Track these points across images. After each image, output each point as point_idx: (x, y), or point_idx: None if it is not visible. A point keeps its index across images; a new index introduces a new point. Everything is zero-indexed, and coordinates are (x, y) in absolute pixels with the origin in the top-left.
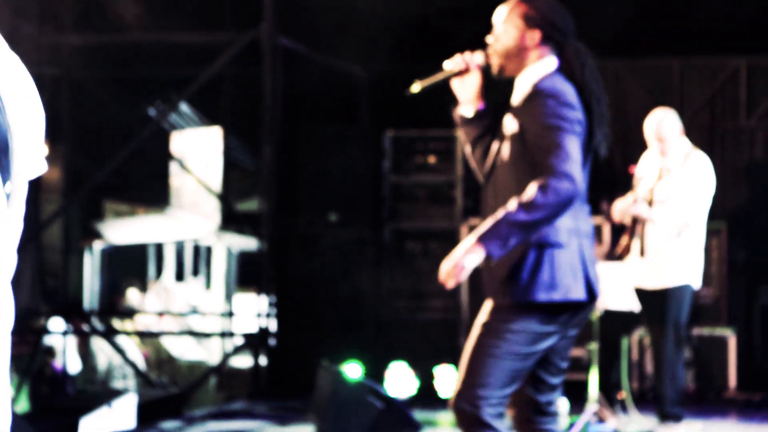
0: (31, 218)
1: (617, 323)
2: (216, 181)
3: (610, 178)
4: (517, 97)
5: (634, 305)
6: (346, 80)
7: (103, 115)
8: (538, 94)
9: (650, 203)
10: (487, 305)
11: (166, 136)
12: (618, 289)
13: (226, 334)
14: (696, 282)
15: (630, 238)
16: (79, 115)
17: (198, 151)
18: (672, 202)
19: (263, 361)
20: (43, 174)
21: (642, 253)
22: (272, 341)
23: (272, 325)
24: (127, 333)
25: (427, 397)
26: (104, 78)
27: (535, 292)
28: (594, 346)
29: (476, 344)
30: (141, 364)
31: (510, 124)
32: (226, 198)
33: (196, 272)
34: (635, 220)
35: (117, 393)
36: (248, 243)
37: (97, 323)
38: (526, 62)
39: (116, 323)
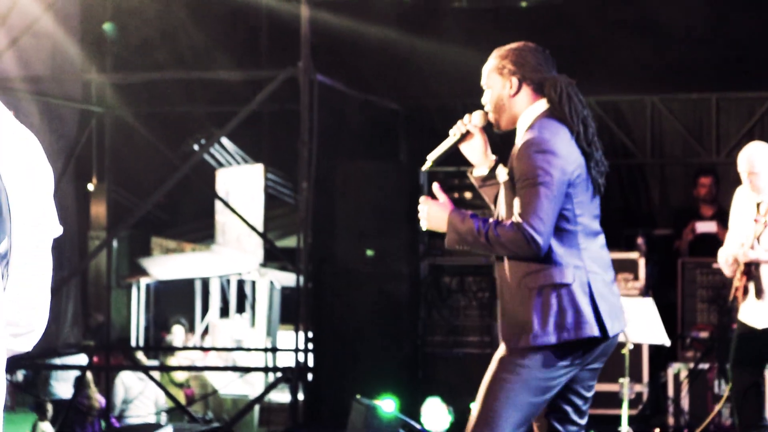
0: (77, 254)
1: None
2: (258, 218)
3: (649, 213)
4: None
5: (664, 340)
6: (382, 116)
7: (147, 152)
8: (523, 144)
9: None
10: (502, 346)
11: (212, 174)
12: (646, 323)
13: (267, 369)
14: None
15: (747, 281)
16: (123, 153)
17: (241, 188)
18: None
19: (301, 395)
20: (92, 211)
21: (758, 295)
22: (310, 376)
23: (310, 360)
24: (171, 369)
25: None
26: (147, 115)
27: (544, 336)
28: (625, 380)
29: (490, 381)
30: (182, 400)
31: (502, 173)
32: (267, 234)
33: (240, 308)
34: (748, 265)
35: (155, 427)
36: (291, 279)
37: (143, 358)
38: (515, 111)
39: (155, 359)
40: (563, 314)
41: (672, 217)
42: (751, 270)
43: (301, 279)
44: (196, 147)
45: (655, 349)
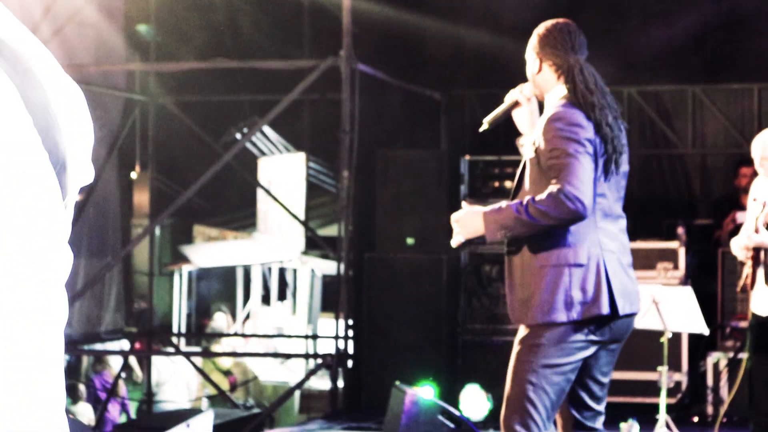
0: (121, 242)
1: None
2: (300, 206)
3: (690, 203)
4: (537, 126)
5: (703, 329)
6: (423, 105)
7: (190, 141)
8: (547, 120)
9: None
10: (521, 329)
11: (254, 162)
12: (685, 312)
13: (307, 356)
14: None
15: (755, 267)
16: (166, 141)
17: (283, 177)
18: None
19: (340, 382)
20: (135, 199)
21: (767, 280)
22: (350, 363)
23: (350, 347)
24: (212, 355)
25: (499, 420)
26: (190, 103)
27: (552, 312)
28: (664, 368)
29: (515, 364)
30: (225, 386)
31: (528, 150)
32: (308, 222)
33: (282, 296)
34: (757, 249)
35: (195, 412)
36: (332, 267)
37: (184, 346)
38: (542, 88)
39: (200, 346)
40: (575, 293)
41: (713, 207)
42: (759, 256)
43: (342, 267)
44: (238, 136)
45: (694, 339)
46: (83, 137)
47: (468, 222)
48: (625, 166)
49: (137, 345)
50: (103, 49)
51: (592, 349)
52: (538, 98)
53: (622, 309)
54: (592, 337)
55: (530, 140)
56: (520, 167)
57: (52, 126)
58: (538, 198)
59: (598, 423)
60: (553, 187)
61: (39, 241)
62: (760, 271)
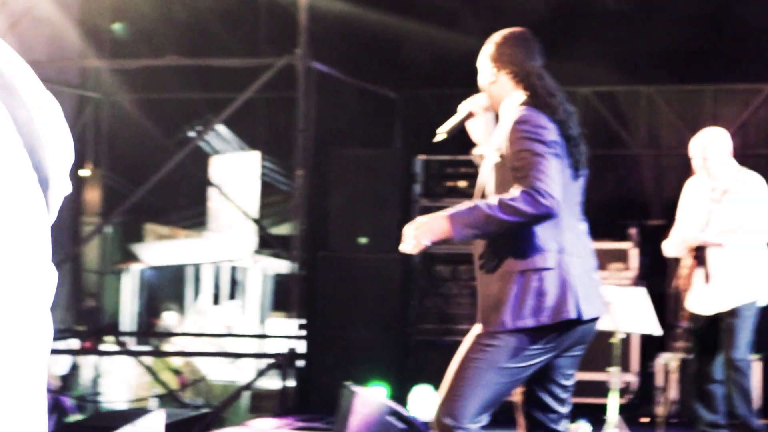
0: (70, 239)
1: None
2: (253, 205)
3: (643, 204)
4: (499, 132)
5: (656, 329)
6: (378, 104)
7: (144, 139)
8: (512, 123)
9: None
10: (477, 327)
11: (206, 161)
12: (638, 313)
13: (257, 355)
14: (763, 299)
15: (698, 266)
16: (119, 138)
17: (236, 175)
18: (743, 226)
19: (291, 382)
20: (85, 196)
21: (707, 279)
22: (301, 363)
23: (301, 347)
24: (162, 354)
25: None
26: (144, 101)
27: (521, 318)
28: (615, 369)
29: (461, 361)
30: (174, 386)
31: (492, 157)
32: (261, 221)
33: (233, 295)
34: (697, 249)
35: (146, 412)
36: (284, 266)
37: (133, 345)
38: (497, 98)
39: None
40: (541, 298)
41: (666, 207)
42: (699, 255)
43: (295, 266)
44: (191, 133)
45: (645, 339)
46: (64, 153)
47: (432, 225)
48: (585, 170)
49: (86, 344)
50: (57, 44)
51: (548, 356)
52: (492, 108)
53: (587, 314)
54: (552, 344)
55: (494, 146)
56: (482, 173)
57: (36, 145)
58: (508, 195)
59: (562, 426)
60: (522, 185)
61: (31, 266)
62: (700, 271)
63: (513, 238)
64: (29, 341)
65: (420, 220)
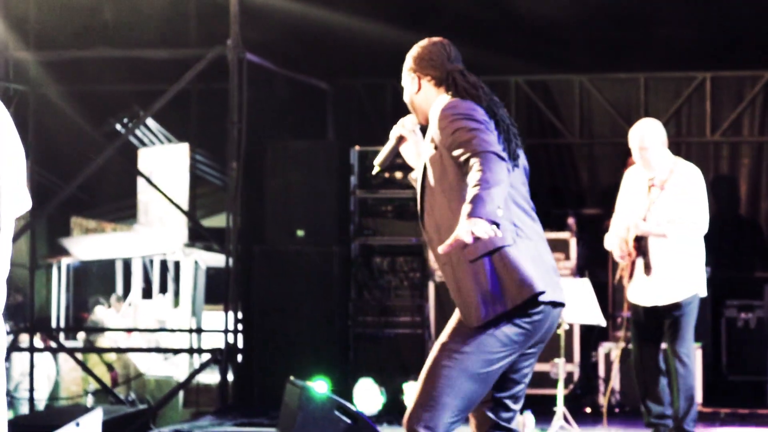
0: None
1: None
2: (183, 198)
3: (577, 193)
4: (429, 128)
5: (600, 320)
6: (312, 96)
7: (70, 131)
8: (439, 112)
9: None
10: (451, 323)
11: (134, 153)
12: (582, 303)
13: (194, 351)
14: (703, 291)
15: (638, 257)
16: (45, 131)
17: (165, 167)
18: (682, 217)
19: (230, 377)
20: None
21: (647, 270)
22: (239, 357)
23: (239, 341)
24: (96, 350)
25: (394, 412)
26: (70, 93)
27: (493, 306)
28: (560, 360)
29: (433, 364)
30: (106, 381)
31: (426, 152)
32: (193, 214)
33: (164, 289)
34: (638, 239)
35: (84, 410)
36: (216, 259)
37: (64, 340)
38: (424, 108)
39: (82, 340)
40: (507, 278)
41: (601, 196)
42: (640, 245)
43: (230, 259)
44: (118, 126)
45: (586, 329)
46: (12, 160)
47: (472, 224)
48: (523, 161)
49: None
50: None
51: (518, 352)
52: (421, 123)
53: (551, 295)
54: (523, 336)
55: (427, 139)
56: (420, 174)
57: None
58: (473, 175)
59: (514, 423)
60: (470, 160)
61: None
62: (640, 261)
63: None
64: None
65: (463, 228)
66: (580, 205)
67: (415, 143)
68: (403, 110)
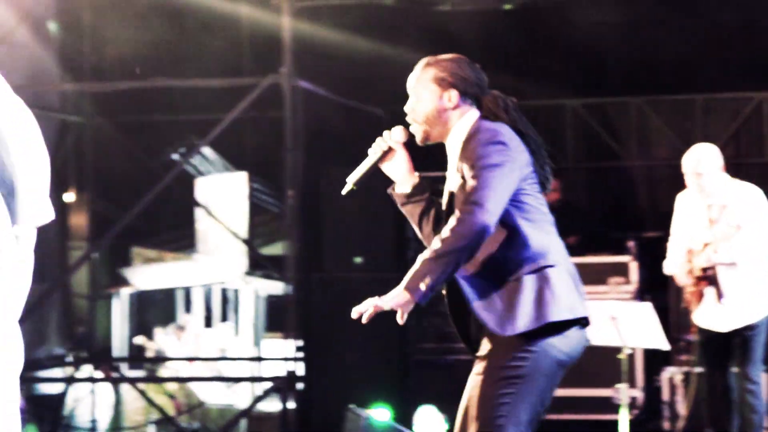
0: (58, 266)
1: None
2: (242, 226)
3: (636, 216)
4: (452, 159)
5: (663, 344)
6: (367, 122)
7: (128, 162)
8: (471, 139)
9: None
10: (489, 344)
11: (191, 182)
12: (645, 328)
13: (255, 379)
14: None
15: (708, 285)
16: (103, 162)
17: (223, 196)
18: (748, 241)
19: (291, 405)
20: (71, 222)
21: (719, 298)
22: (300, 385)
23: (300, 369)
24: (156, 380)
25: None
26: (127, 124)
27: (541, 317)
28: (623, 386)
29: (486, 395)
30: (170, 410)
31: (453, 180)
32: (252, 242)
33: (224, 317)
34: (705, 268)
35: None
36: (276, 287)
37: (126, 370)
38: (449, 123)
39: (144, 370)
40: (552, 297)
41: (660, 219)
42: (707, 274)
43: (289, 287)
44: (174, 156)
45: (649, 354)
46: (37, 167)
47: (390, 296)
48: (550, 183)
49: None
50: (35, 69)
51: (562, 372)
52: (432, 139)
53: (581, 312)
54: (567, 352)
55: (451, 169)
56: (445, 202)
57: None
58: (445, 228)
59: None
60: (466, 203)
61: None
62: (710, 289)
63: (510, 242)
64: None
65: (376, 300)
66: (640, 228)
67: (405, 158)
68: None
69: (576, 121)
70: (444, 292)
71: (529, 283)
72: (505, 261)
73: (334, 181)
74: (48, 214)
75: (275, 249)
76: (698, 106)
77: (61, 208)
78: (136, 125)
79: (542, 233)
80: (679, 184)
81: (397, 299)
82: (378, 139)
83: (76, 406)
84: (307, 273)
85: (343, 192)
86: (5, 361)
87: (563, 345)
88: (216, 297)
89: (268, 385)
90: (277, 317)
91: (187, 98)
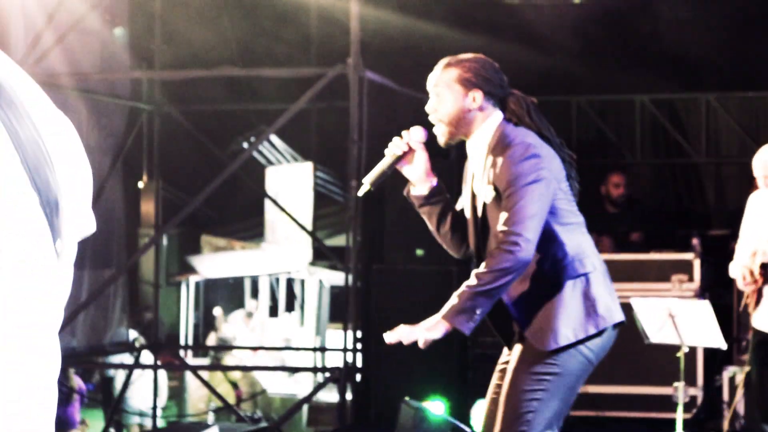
0: (126, 251)
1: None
2: (307, 216)
3: (704, 213)
4: (477, 162)
5: (720, 343)
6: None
7: (198, 150)
8: (502, 151)
9: None
10: (519, 347)
11: (262, 172)
12: (702, 326)
13: (316, 369)
14: None
15: (765, 283)
16: (173, 150)
17: (290, 186)
18: None
19: (349, 396)
20: (141, 209)
21: None
22: (358, 377)
23: (358, 360)
24: (219, 368)
25: None
26: (196, 112)
27: (577, 330)
28: (680, 384)
29: (518, 390)
30: (231, 398)
31: (484, 192)
32: (316, 233)
33: (290, 307)
34: (764, 266)
35: (201, 426)
36: (340, 278)
37: (191, 358)
38: (473, 124)
39: (209, 358)
40: (592, 303)
41: (728, 217)
42: (767, 272)
43: (350, 278)
44: (245, 145)
45: (710, 352)
46: (80, 180)
47: (425, 326)
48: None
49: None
50: (107, 57)
51: (591, 370)
52: (454, 138)
53: (617, 317)
54: (595, 357)
55: (481, 181)
56: (469, 207)
57: (42, 164)
58: (485, 261)
59: None
60: (500, 229)
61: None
62: (767, 288)
63: (546, 248)
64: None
65: (410, 329)
66: (707, 226)
67: (425, 159)
68: None
69: (645, 116)
70: None
71: (568, 291)
72: (543, 268)
73: (398, 172)
74: (90, 227)
75: (341, 240)
76: None
77: (132, 195)
78: (206, 114)
79: (577, 237)
80: (746, 182)
81: (434, 331)
82: (395, 139)
83: (138, 392)
84: (368, 264)
85: (360, 193)
86: (5, 361)
87: (595, 346)
88: (282, 287)
89: (327, 375)
90: (341, 308)
91: (256, 87)
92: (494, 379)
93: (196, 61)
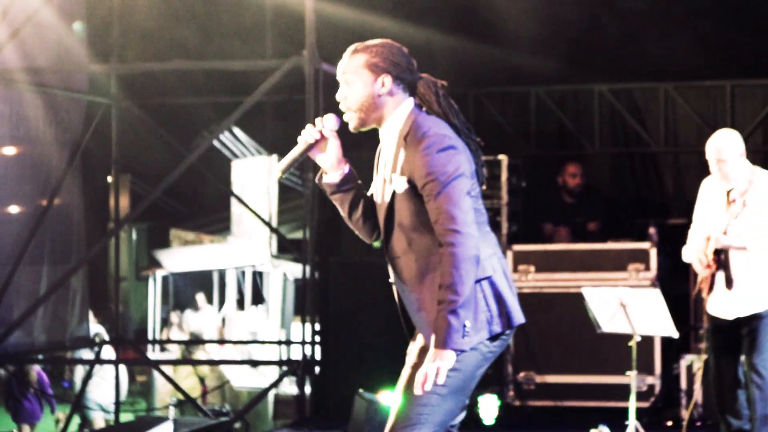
0: (85, 247)
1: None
2: (272, 209)
3: (662, 203)
4: (389, 150)
5: (672, 332)
6: None
7: (168, 145)
8: (417, 142)
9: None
10: (419, 344)
11: (228, 165)
12: (654, 315)
13: (279, 363)
14: None
15: (719, 270)
16: (140, 145)
17: (256, 179)
18: (763, 229)
19: (308, 389)
20: (110, 203)
21: (728, 284)
22: (317, 369)
23: (317, 353)
24: (182, 362)
25: (469, 425)
26: (154, 106)
27: (476, 333)
28: (633, 373)
29: (412, 386)
30: (198, 392)
31: (396, 182)
32: (281, 226)
33: (257, 301)
34: (717, 252)
35: (155, 421)
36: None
37: (159, 353)
38: (383, 109)
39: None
40: (490, 307)
41: (686, 206)
42: (720, 259)
43: (308, 270)
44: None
45: (667, 341)
46: None
47: (438, 361)
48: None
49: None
50: (62, 51)
51: (488, 364)
52: (366, 125)
53: (518, 319)
54: (496, 352)
55: (390, 169)
56: (379, 193)
57: None
58: (441, 265)
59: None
60: (441, 230)
61: None
62: (720, 275)
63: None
64: None
65: (428, 371)
66: (665, 215)
67: (336, 148)
68: (480, 121)
69: (603, 105)
70: (394, 289)
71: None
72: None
73: (353, 163)
74: None
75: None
76: (727, 92)
77: (103, 190)
78: (166, 107)
79: (482, 237)
80: (704, 171)
81: (446, 363)
82: (308, 127)
83: (99, 388)
84: (326, 256)
85: (277, 179)
86: None
87: (495, 345)
88: (248, 280)
89: (285, 369)
90: (304, 301)
91: (217, 80)
92: (405, 371)
93: (157, 55)
